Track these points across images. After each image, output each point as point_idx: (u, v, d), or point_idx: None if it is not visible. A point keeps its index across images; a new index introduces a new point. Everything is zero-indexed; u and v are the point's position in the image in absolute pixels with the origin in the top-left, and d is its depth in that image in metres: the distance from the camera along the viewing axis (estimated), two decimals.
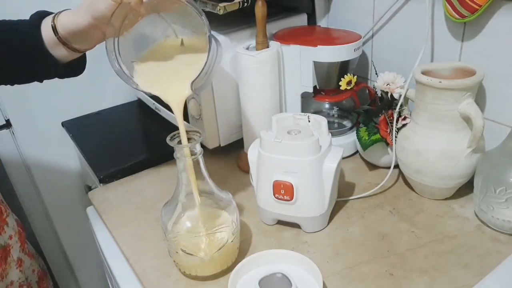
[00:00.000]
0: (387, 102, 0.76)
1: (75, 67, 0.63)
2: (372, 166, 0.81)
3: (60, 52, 0.58)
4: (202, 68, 0.52)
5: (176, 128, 0.55)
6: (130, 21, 0.54)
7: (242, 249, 0.63)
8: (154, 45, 0.59)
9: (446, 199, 0.71)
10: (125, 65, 0.56)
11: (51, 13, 0.59)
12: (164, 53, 0.58)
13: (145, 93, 0.56)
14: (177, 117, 0.55)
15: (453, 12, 0.66)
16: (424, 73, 0.65)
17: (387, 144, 0.75)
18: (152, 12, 0.55)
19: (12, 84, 0.63)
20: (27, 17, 0.59)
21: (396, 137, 0.72)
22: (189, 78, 0.53)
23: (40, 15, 0.58)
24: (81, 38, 0.57)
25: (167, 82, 0.56)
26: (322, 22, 0.94)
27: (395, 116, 0.72)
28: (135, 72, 0.57)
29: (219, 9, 0.71)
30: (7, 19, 0.60)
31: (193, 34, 0.57)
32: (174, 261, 0.60)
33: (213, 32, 0.54)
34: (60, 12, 0.57)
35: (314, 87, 0.82)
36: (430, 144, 0.66)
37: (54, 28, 0.56)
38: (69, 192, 1.15)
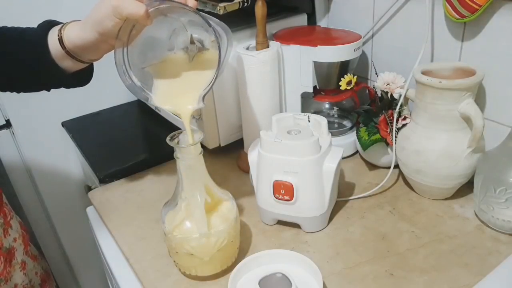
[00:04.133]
0: (387, 102, 0.76)
1: (82, 77, 0.63)
2: (372, 166, 0.81)
3: (66, 63, 0.58)
4: (213, 81, 0.52)
5: (176, 128, 0.55)
6: (137, 30, 0.54)
7: (242, 249, 0.63)
8: (164, 59, 0.58)
9: (446, 199, 0.71)
10: (136, 75, 0.55)
11: (58, 22, 0.59)
12: (174, 66, 0.58)
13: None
14: (185, 125, 0.55)
15: (453, 12, 0.66)
16: (424, 73, 0.65)
17: (387, 144, 0.75)
18: (158, 16, 0.54)
19: (18, 92, 0.63)
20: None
21: (396, 137, 0.72)
22: (199, 89, 0.54)
23: (47, 25, 0.58)
24: (88, 51, 0.57)
25: (178, 97, 0.56)
26: (322, 22, 0.94)
27: (395, 116, 0.72)
28: (147, 83, 0.56)
29: (219, 9, 0.71)
30: (15, 26, 0.60)
31: (201, 28, 0.56)
32: (174, 261, 0.60)
33: None
34: (66, 24, 0.57)
35: (314, 87, 0.82)
36: (430, 144, 0.66)
37: (61, 41, 0.55)
38: (69, 192, 1.15)
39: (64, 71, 0.59)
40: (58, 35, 0.56)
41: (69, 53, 0.56)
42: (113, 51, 0.54)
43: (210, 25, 0.50)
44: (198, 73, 0.57)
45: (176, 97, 0.56)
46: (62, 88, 0.64)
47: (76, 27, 0.56)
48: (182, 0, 0.50)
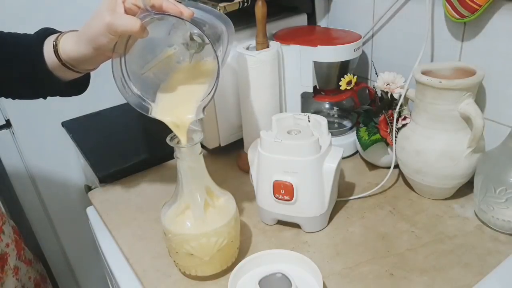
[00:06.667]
0: (387, 102, 0.76)
1: (78, 86, 0.63)
2: (372, 166, 0.81)
3: (62, 73, 0.58)
4: (214, 90, 0.52)
5: None
6: (134, 39, 0.53)
7: (242, 249, 0.63)
8: (165, 62, 0.57)
9: (446, 199, 0.71)
10: (136, 85, 0.55)
11: (54, 31, 0.58)
12: (176, 78, 0.57)
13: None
14: (182, 135, 0.54)
15: (453, 12, 0.66)
16: (424, 73, 0.65)
17: (387, 144, 0.75)
18: (154, 21, 0.53)
19: (13, 98, 0.63)
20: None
21: (396, 137, 0.72)
22: (200, 99, 0.53)
23: (43, 34, 0.57)
24: (84, 63, 0.56)
25: (179, 107, 0.55)
26: (322, 22, 0.94)
27: (395, 116, 0.72)
28: (147, 92, 0.56)
29: (219, 9, 0.71)
30: (12, 31, 0.59)
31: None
32: (174, 261, 0.60)
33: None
34: (62, 35, 0.56)
35: (314, 87, 0.82)
36: (430, 144, 0.66)
37: (56, 53, 0.55)
38: (69, 192, 1.15)
39: (59, 80, 0.58)
40: (53, 46, 0.55)
41: (65, 64, 0.55)
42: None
43: (208, 37, 0.49)
44: (200, 83, 0.56)
45: (176, 107, 0.55)
46: None
47: (71, 40, 0.55)
48: (177, 10, 0.49)
